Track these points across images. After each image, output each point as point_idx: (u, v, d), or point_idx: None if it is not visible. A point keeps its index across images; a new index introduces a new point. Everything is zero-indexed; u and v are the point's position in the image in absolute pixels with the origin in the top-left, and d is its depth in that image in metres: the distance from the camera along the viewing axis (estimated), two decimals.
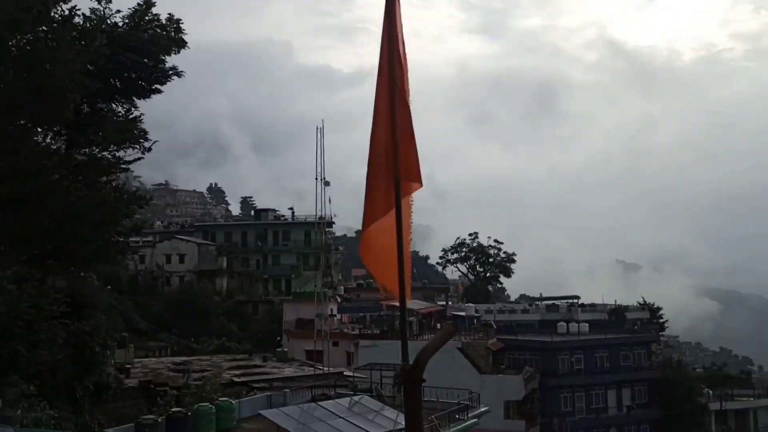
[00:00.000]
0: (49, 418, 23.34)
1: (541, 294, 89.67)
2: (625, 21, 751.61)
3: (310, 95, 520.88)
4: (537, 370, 53.91)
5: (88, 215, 20.82)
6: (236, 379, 38.08)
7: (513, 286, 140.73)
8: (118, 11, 25.41)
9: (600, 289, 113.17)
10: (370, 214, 4.24)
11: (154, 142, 24.61)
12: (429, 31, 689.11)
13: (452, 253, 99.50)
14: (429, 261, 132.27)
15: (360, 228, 4.49)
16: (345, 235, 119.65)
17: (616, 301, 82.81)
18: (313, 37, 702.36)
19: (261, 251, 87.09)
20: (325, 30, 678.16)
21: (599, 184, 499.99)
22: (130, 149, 23.80)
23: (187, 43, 26.73)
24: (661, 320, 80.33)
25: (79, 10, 21.81)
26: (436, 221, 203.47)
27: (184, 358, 49.29)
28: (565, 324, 64.64)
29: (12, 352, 17.42)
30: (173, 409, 28.83)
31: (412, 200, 4.36)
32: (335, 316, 58.83)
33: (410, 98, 4.39)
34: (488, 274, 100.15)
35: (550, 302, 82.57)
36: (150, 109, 28.23)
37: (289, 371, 43.11)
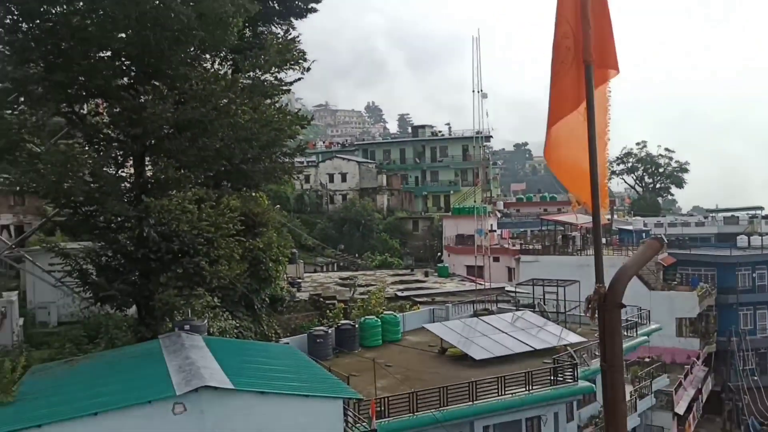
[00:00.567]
0: (232, 328, 25.44)
1: (716, 205, 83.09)
2: None
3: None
4: (713, 286, 51.86)
5: (255, 137, 21.67)
6: (399, 293, 39.22)
7: (685, 197, 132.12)
8: None
9: None
10: (556, 109, 3.53)
11: (313, 61, 24.80)
12: None
13: (618, 164, 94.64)
14: None
15: (541, 137, 3.77)
16: (503, 149, 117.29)
17: None
18: None
19: (419, 168, 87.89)
20: None
21: None
22: (290, 70, 24.16)
23: None
24: None
25: None
26: None
27: (349, 273, 51.54)
28: (746, 237, 60.79)
29: (196, 267, 18.84)
30: (342, 321, 30.39)
31: (609, 91, 3.58)
32: (495, 231, 58.45)
33: None
34: (658, 186, 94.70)
35: (729, 214, 76.10)
36: (308, 29, 28.43)
37: (450, 286, 43.67)
